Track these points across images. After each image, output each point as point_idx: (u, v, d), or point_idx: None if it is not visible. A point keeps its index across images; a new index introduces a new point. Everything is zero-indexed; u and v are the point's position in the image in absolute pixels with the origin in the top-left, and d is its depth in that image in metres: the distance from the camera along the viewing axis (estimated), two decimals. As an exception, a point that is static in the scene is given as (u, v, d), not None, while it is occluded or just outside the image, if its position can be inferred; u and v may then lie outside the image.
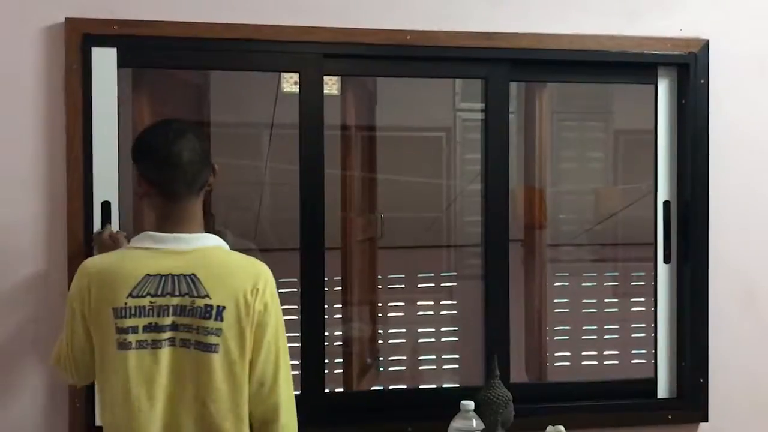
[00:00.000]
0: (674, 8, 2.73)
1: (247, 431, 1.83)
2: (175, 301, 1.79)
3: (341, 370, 2.84)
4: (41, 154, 2.36)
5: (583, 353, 3.82)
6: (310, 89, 2.47)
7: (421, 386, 4.41)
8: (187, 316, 1.79)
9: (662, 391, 2.79)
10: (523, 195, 3.32)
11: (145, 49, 2.41)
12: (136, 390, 1.79)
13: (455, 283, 4.28)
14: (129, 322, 1.79)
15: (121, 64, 2.35)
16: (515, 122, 3.16)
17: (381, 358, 3.35)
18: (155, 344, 1.80)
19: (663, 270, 2.79)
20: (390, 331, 4.91)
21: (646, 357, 2.81)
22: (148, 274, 1.80)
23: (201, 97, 2.90)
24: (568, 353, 3.94)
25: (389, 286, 4.36)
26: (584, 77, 2.82)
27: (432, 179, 4.04)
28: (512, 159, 2.73)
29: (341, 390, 2.97)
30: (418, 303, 4.53)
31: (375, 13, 2.53)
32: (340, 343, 3.25)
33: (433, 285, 4.55)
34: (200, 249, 1.85)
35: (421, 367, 4.67)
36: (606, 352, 3.82)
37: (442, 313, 4.57)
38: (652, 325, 2.81)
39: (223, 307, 1.78)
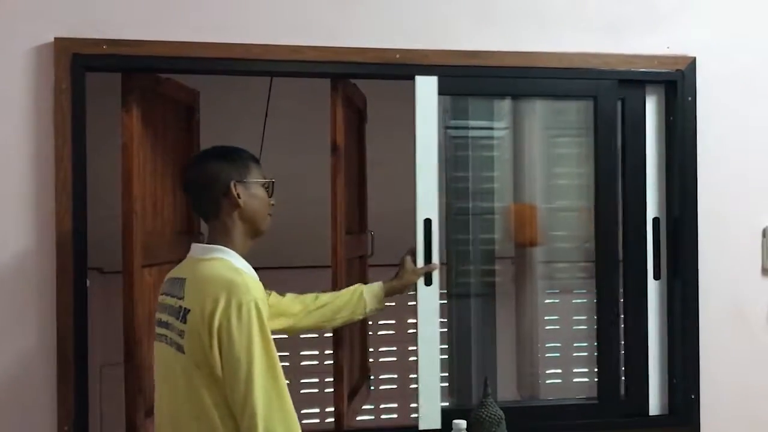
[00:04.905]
0: (661, 26, 2.75)
1: None
2: (170, 301, 1.96)
3: (332, 390, 2.82)
4: (30, 175, 2.36)
5: (575, 371, 3.80)
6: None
7: (413, 405, 4.38)
8: (172, 316, 1.91)
9: (654, 408, 2.79)
10: (515, 212, 3.32)
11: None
12: (154, 377, 2.04)
13: (445, 301, 4.27)
14: (156, 316, 2.04)
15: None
16: (507, 140, 3.16)
17: (372, 377, 3.33)
18: (160, 338, 1.98)
19: (653, 287, 2.80)
20: (381, 349, 4.89)
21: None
22: (170, 277, 2.03)
23: (190, 116, 2.89)
24: (559, 371, 3.93)
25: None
26: (572, 95, 2.84)
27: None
28: (505, 176, 2.74)
29: (330, 409, 2.95)
30: (408, 321, 4.52)
31: (364, 32, 2.54)
32: (331, 362, 3.23)
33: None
34: (203, 258, 1.97)
35: (412, 386, 4.64)
36: (596, 369, 3.81)
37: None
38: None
39: (188, 310, 1.86)
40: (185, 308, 1.86)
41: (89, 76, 2.39)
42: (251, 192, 2.03)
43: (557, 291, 3.90)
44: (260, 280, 1.96)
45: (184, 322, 1.85)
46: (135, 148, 2.42)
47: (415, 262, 2.56)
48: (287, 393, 1.83)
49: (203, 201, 2.03)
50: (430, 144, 2.59)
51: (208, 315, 1.80)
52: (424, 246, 2.56)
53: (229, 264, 1.94)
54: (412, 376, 4.54)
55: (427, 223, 2.56)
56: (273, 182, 2.10)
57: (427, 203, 2.57)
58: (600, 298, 2.78)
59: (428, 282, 2.58)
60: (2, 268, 2.35)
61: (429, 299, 2.60)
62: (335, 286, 2.53)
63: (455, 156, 3.07)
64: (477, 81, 2.66)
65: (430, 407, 2.58)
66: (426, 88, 2.58)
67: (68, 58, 2.35)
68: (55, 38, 2.36)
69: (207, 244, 2.02)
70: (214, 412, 1.82)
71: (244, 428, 1.79)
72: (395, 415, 4.75)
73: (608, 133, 2.75)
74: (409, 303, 4.50)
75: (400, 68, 2.55)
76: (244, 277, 1.88)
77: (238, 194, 1.99)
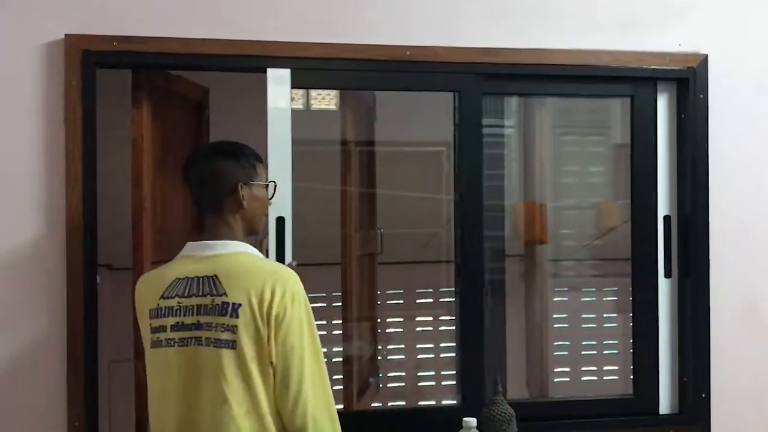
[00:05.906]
0: (673, 23, 2.74)
1: None
2: (199, 301, 1.87)
3: (341, 387, 2.83)
4: (40, 171, 2.36)
5: (583, 369, 3.80)
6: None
7: (421, 403, 4.38)
8: (209, 315, 1.86)
9: (664, 406, 2.78)
10: (524, 210, 3.32)
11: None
12: (162, 385, 1.90)
13: (453, 299, 4.27)
14: (160, 322, 1.91)
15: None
16: (516, 138, 3.15)
17: (381, 375, 3.33)
18: (182, 342, 1.88)
19: (664, 285, 2.78)
20: (389, 347, 4.90)
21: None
22: (178, 278, 1.91)
23: (200, 113, 2.89)
24: (568, 369, 3.92)
25: (388, 302, 4.35)
26: (583, 92, 2.83)
27: (431, 194, 4.04)
28: (513, 174, 2.73)
29: (341, 406, 2.96)
30: (417, 319, 4.53)
31: (375, 28, 2.53)
32: (340, 359, 3.24)
33: (432, 300, 4.55)
34: (227, 254, 1.93)
35: (420, 383, 4.65)
36: (606, 368, 3.81)
37: (441, 328, 4.56)
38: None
39: (239, 305, 1.83)
40: (234, 303, 1.83)
41: (100, 72, 2.39)
42: (254, 194, 2.02)
43: (566, 289, 3.91)
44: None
45: (236, 317, 1.83)
46: (145, 145, 2.43)
47: None
48: (328, 380, 1.90)
49: (206, 196, 2.00)
50: (282, 140, 2.49)
51: (267, 305, 1.82)
52: (276, 245, 2.45)
53: (259, 256, 1.97)
54: (420, 373, 4.55)
55: (280, 221, 2.46)
56: (276, 185, 2.10)
57: (281, 201, 2.43)
58: (635, 296, 2.78)
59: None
60: (13, 263, 2.35)
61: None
62: (345, 284, 2.52)
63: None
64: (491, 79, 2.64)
65: None
66: (278, 81, 2.47)
67: (79, 55, 2.35)
68: (66, 35, 2.36)
69: (210, 240, 1.96)
70: (265, 404, 1.84)
71: (297, 416, 1.83)
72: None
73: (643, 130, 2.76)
74: (417, 300, 4.51)
75: (408, 65, 2.54)
76: (288, 269, 1.92)
77: (242, 196, 1.98)
